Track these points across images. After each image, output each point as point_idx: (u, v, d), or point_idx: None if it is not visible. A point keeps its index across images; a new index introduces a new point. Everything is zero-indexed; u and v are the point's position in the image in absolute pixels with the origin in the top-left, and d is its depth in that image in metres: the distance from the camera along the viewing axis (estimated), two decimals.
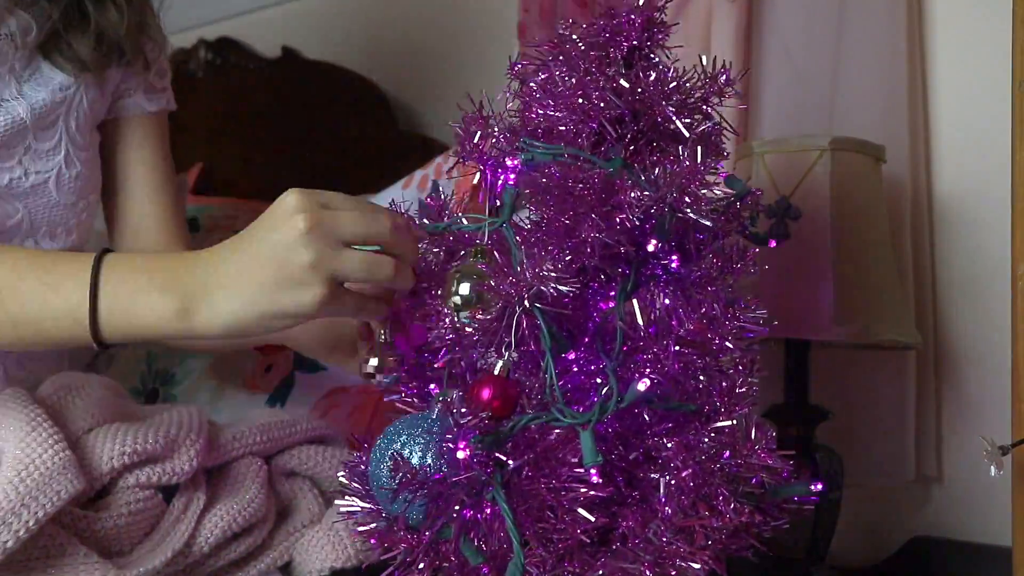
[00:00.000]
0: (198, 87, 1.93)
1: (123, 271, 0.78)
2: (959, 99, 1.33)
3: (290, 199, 0.75)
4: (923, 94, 1.34)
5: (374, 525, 0.73)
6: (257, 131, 1.86)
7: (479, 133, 0.78)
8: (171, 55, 1.94)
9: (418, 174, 1.40)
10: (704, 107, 0.77)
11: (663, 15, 0.79)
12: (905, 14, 1.31)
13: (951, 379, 1.32)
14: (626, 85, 0.75)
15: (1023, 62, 0.89)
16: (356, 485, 0.75)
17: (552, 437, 0.68)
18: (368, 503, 0.74)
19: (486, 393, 0.68)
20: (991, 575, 1.19)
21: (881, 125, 1.30)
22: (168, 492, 0.85)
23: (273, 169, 1.82)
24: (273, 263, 0.74)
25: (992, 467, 0.76)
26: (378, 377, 0.80)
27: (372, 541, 0.73)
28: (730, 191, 0.76)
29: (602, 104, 0.74)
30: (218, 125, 1.89)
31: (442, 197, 0.83)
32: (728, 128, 0.79)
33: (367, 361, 0.80)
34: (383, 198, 1.42)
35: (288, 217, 0.74)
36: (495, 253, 0.74)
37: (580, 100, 0.74)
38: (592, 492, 0.66)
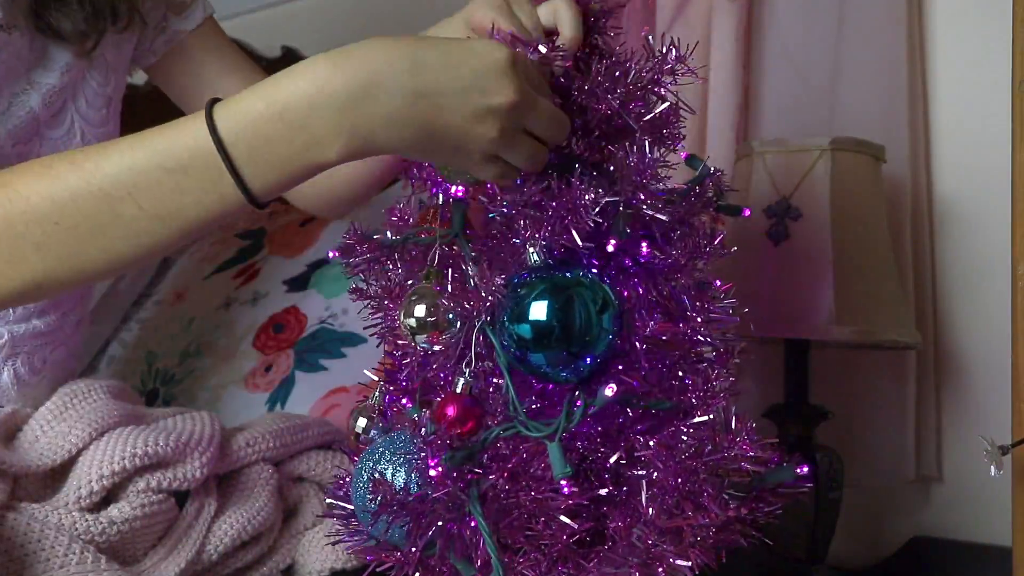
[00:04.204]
0: None
1: (245, 128, 0.67)
2: (959, 99, 1.33)
3: (504, 62, 0.66)
4: (923, 94, 1.34)
5: (361, 545, 0.73)
6: None
7: None
8: None
9: None
10: (657, 89, 0.74)
11: (600, 4, 0.77)
12: (905, 14, 1.31)
13: (951, 379, 1.32)
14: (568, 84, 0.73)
15: (1023, 62, 0.89)
16: (340, 507, 0.74)
17: (524, 449, 0.67)
18: (353, 523, 0.74)
19: (451, 411, 0.68)
20: (991, 575, 1.19)
21: (881, 125, 1.30)
22: (180, 497, 0.85)
23: None
24: (454, 132, 0.66)
25: (992, 467, 0.76)
26: (363, 437, 0.79)
27: (368, 557, 0.72)
28: (692, 178, 0.75)
29: None
30: None
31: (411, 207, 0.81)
32: (685, 108, 0.75)
33: (356, 421, 0.79)
34: (383, 198, 1.41)
35: (497, 86, 0.66)
36: (449, 271, 0.73)
37: None
38: (571, 501, 0.65)
